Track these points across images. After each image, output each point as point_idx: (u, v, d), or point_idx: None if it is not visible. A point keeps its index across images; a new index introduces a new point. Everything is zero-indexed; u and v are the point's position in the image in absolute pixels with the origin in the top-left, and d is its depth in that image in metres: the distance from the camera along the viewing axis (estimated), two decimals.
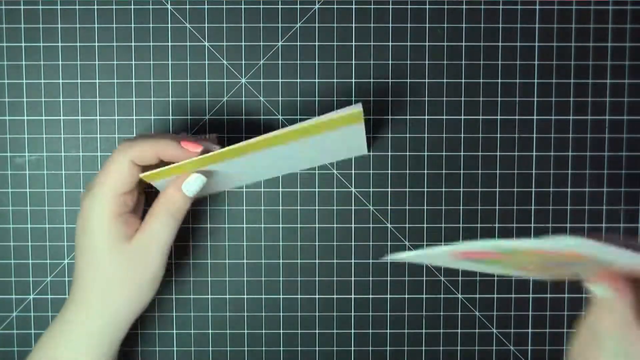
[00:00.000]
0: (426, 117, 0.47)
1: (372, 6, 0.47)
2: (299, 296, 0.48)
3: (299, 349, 0.48)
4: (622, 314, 0.33)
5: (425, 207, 0.48)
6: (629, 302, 0.34)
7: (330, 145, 0.43)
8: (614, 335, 0.33)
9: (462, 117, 0.48)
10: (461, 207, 0.48)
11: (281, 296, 0.48)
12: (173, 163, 0.39)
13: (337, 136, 0.41)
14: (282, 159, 0.43)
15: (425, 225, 0.48)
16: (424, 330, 0.48)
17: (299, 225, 0.48)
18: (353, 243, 0.48)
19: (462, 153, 0.48)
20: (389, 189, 0.48)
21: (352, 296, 0.48)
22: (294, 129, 0.38)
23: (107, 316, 0.40)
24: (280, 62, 0.47)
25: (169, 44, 0.47)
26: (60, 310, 0.41)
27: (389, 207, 0.48)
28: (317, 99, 0.47)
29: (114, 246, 0.39)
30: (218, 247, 0.48)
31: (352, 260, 0.48)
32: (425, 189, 0.48)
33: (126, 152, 0.39)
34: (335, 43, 0.47)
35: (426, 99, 0.47)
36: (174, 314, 0.48)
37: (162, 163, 0.40)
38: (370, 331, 0.48)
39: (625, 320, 0.33)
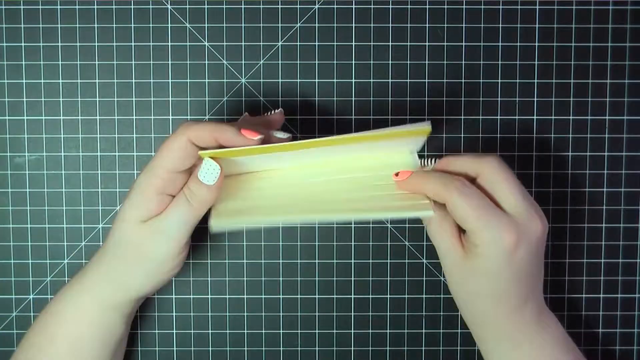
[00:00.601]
0: (426, 117, 0.47)
1: (372, 6, 0.47)
2: (299, 296, 0.48)
3: (299, 349, 0.48)
4: (448, 226, 0.40)
5: None
6: (449, 218, 0.40)
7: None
8: (444, 247, 0.41)
9: (462, 117, 0.47)
10: None
11: (281, 296, 0.48)
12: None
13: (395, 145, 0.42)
14: (330, 153, 0.43)
15: (424, 225, 0.48)
16: (423, 331, 0.48)
17: (299, 225, 0.48)
18: (353, 243, 0.48)
19: (462, 153, 0.47)
20: None
21: (352, 296, 0.48)
22: (363, 135, 0.38)
23: (113, 284, 0.41)
24: (280, 62, 0.47)
25: (169, 44, 0.47)
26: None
27: None
28: (317, 99, 0.47)
29: (136, 221, 0.39)
30: (218, 247, 0.48)
31: (352, 260, 0.48)
32: None
33: (185, 131, 0.38)
34: (335, 43, 0.47)
35: (426, 99, 0.47)
36: (174, 314, 0.48)
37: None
38: (370, 331, 0.48)
39: (450, 231, 0.40)
